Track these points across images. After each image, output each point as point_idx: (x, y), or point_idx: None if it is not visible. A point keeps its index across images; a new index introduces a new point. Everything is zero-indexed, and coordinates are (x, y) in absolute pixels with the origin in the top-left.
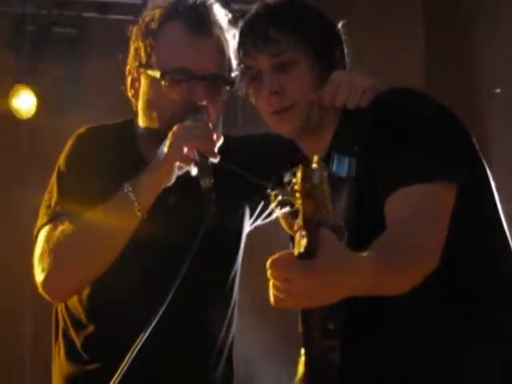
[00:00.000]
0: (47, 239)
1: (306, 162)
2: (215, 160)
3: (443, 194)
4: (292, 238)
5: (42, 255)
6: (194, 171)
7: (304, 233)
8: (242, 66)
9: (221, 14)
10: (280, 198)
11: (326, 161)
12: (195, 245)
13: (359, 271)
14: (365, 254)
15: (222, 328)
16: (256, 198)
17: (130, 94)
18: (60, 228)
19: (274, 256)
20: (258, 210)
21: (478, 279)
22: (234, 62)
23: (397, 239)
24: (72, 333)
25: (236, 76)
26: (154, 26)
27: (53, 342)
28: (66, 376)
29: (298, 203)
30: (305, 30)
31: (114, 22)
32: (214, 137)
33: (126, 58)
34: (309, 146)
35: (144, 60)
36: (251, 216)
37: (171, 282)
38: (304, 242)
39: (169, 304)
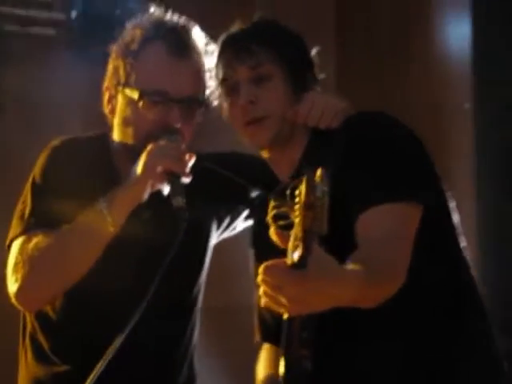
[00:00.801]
0: (21, 251)
1: (310, 176)
2: (187, 180)
3: (411, 213)
4: (259, 252)
5: (15, 266)
6: (166, 190)
7: (298, 243)
8: (221, 76)
9: (200, 38)
10: (276, 210)
11: (295, 177)
12: (167, 260)
13: (347, 283)
14: (350, 267)
15: (184, 338)
16: (222, 212)
17: (106, 110)
18: (34, 240)
19: (268, 263)
20: (225, 224)
21: (441, 287)
22: (210, 84)
23: (374, 256)
24: (40, 336)
25: (211, 96)
26: (134, 46)
27: (20, 345)
28: (34, 378)
29: (296, 215)
30: (282, 48)
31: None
32: (187, 157)
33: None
34: (277, 159)
35: (123, 79)
36: (218, 229)
37: (143, 294)
38: (298, 252)
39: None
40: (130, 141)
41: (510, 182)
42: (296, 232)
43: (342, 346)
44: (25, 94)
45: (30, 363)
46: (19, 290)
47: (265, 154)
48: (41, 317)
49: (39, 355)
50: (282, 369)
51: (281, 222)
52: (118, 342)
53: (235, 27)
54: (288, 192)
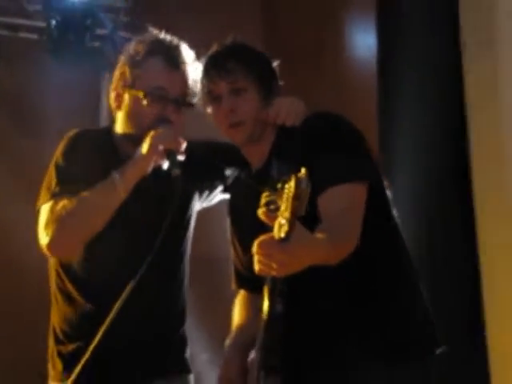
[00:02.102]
0: (51, 212)
1: (297, 174)
2: (181, 157)
3: (359, 190)
4: (233, 218)
5: (46, 224)
6: (165, 165)
7: (284, 221)
8: (206, 89)
9: (188, 53)
10: (269, 198)
11: (266, 167)
12: (168, 219)
13: (318, 249)
14: (319, 236)
15: (177, 279)
16: (203, 186)
17: (113, 106)
18: (61, 203)
19: (261, 238)
20: (204, 196)
21: (383, 248)
22: (195, 89)
23: (334, 226)
24: (67, 284)
25: (196, 99)
26: (139, 58)
27: (52, 294)
28: (64, 317)
29: (283, 202)
30: (253, 66)
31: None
32: (181, 140)
33: None
34: (251, 151)
35: (129, 82)
36: (199, 199)
37: (148, 247)
38: (285, 228)
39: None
40: (133, 130)
41: (409, 183)
42: (282, 214)
43: (304, 295)
44: (11, 87)
45: (60, 306)
46: (50, 242)
47: (241, 147)
48: (66, 269)
49: (67, 299)
50: (265, 308)
51: (272, 207)
52: (131, 284)
53: (214, 48)
54: (279, 185)
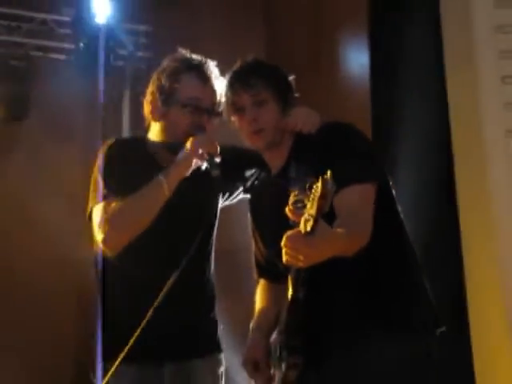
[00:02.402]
0: (103, 212)
1: (323, 176)
2: (218, 159)
3: (369, 190)
4: (254, 216)
5: (100, 223)
6: (204, 166)
7: (309, 217)
8: (230, 101)
9: (215, 69)
10: (297, 197)
11: (285, 169)
12: (209, 215)
13: (338, 242)
14: (338, 231)
15: (206, 270)
16: (227, 186)
17: (149, 117)
18: (112, 204)
19: (288, 233)
20: (227, 195)
21: (390, 243)
22: (221, 100)
23: (351, 222)
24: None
25: (222, 109)
26: (175, 74)
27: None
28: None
29: (310, 200)
30: (272, 80)
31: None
32: (216, 144)
33: None
34: (271, 157)
35: (167, 95)
36: (222, 197)
37: (188, 240)
38: (310, 224)
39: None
40: (170, 138)
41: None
42: (308, 211)
43: (323, 284)
44: (43, 101)
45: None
46: (104, 238)
47: (261, 152)
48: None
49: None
50: (289, 295)
51: (299, 205)
52: (175, 276)
53: (238, 64)
54: (307, 186)
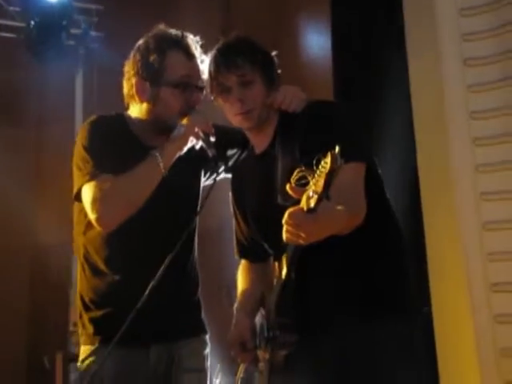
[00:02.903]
0: (96, 190)
1: (332, 151)
2: (213, 138)
3: (361, 168)
4: (235, 194)
5: (93, 200)
6: (199, 145)
7: (313, 194)
8: (215, 81)
9: (194, 42)
10: (301, 173)
11: (270, 148)
12: (194, 195)
13: (340, 218)
14: (339, 207)
15: (194, 265)
16: (208, 165)
17: (136, 97)
18: (104, 182)
19: (290, 209)
20: (208, 174)
21: (379, 218)
22: (205, 75)
23: (347, 200)
24: (94, 256)
25: (206, 85)
26: (160, 51)
27: (78, 265)
28: (92, 287)
29: (316, 176)
30: (258, 60)
31: None
32: (210, 123)
33: None
34: (256, 136)
35: (155, 74)
36: (204, 176)
37: (178, 220)
38: (314, 200)
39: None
40: (159, 117)
41: None
42: (312, 187)
43: (312, 264)
44: None
45: (88, 276)
46: (99, 217)
47: (246, 132)
48: (93, 243)
49: (94, 270)
50: (284, 274)
51: (302, 181)
52: (169, 259)
53: (221, 44)
54: (315, 161)
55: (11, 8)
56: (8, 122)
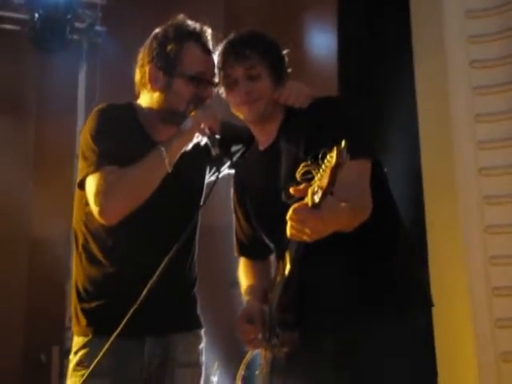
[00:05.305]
0: (101, 182)
1: (338, 146)
2: (218, 136)
3: (366, 165)
4: (237, 190)
5: (97, 192)
6: (204, 141)
7: (317, 189)
8: (223, 72)
9: (212, 37)
10: (306, 168)
11: (275, 144)
12: (199, 191)
13: (343, 216)
14: (343, 205)
15: (193, 245)
16: (213, 161)
17: (149, 85)
18: (110, 173)
19: (295, 205)
20: (213, 170)
21: (384, 223)
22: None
23: (352, 197)
24: (92, 245)
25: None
26: (179, 43)
27: (74, 253)
28: (88, 277)
29: (321, 171)
30: (267, 54)
31: None
32: (217, 120)
33: None
34: (260, 131)
35: (170, 65)
36: (209, 173)
37: (182, 214)
38: (319, 195)
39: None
40: (170, 107)
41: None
42: (317, 182)
43: (315, 261)
44: None
45: (84, 266)
46: (101, 210)
47: (251, 127)
48: (93, 233)
49: (92, 261)
50: (287, 271)
51: (307, 176)
52: (173, 251)
53: (232, 36)
54: (320, 155)
55: (15, 0)
56: (10, 114)
